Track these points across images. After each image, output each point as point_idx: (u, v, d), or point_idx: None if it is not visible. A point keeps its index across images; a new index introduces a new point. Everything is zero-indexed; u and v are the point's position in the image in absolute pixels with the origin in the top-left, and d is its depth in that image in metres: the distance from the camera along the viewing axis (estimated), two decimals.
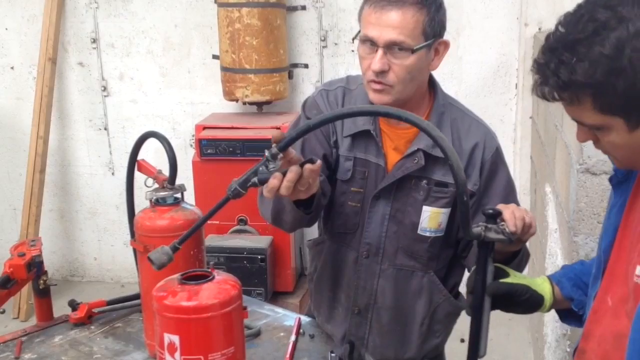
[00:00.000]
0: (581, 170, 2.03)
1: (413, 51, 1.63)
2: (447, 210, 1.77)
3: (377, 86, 1.67)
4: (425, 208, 1.76)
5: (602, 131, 1.15)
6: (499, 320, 3.89)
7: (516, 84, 3.95)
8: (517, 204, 1.70)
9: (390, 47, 1.63)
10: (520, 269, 1.64)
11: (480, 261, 1.46)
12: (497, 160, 1.78)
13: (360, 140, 1.79)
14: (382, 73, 1.65)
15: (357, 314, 1.89)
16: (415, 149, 1.73)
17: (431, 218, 1.77)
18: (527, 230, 1.49)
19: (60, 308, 2.10)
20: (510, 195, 1.79)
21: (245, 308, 1.43)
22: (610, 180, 1.33)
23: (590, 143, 2.00)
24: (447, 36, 1.76)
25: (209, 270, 1.43)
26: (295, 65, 4.05)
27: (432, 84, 1.81)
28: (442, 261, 1.85)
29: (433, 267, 1.84)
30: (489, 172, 1.77)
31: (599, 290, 1.29)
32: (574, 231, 2.09)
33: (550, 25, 4.28)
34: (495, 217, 1.47)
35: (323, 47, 4.06)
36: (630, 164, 1.20)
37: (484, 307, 1.46)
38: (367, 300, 1.87)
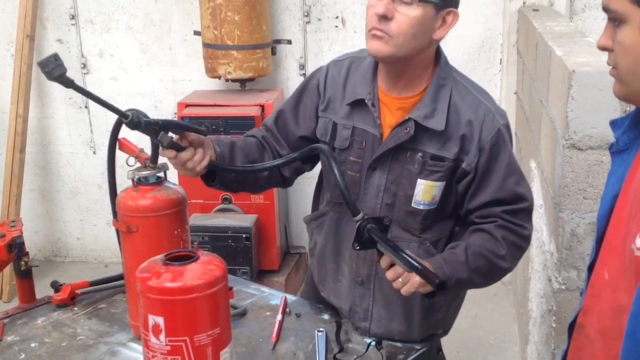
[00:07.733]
0: (567, 146, 2.02)
1: (420, 0, 1.61)
2: (441, 184, 1.75)
3: (378, 32, 1.64)
4: (419, 181, 1.74)
5: (619, 27, 1.14)
6: (483, 297, 3.93)
7: (500, 60, 3.92)
8: (514, 191, 1.74)
9: None
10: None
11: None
12: (498, 142, 1.74)
13: (359, 110, 1.79)
14: (384, 19, 1.63)
15: (360, 284, 1.88)
16: (407, 118, 1.71)
17: (425, 191, 1.75)
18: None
19: (43, 289, 2.07)
20: (508, 179, 1.75)
21: (231, 289, 1.42)
22: (610, 148, 1.32)
23: (575, 118, 2.00)
24: None
25: (194, 250, 1.41)
26: (279, 42, 3.99)
27: (438, 56, 1.78)
28: (436, 232, 1.83)
29: (428, 238, 1.82)
30: (489, 156, 1.73)
31: (596, 263, 1.28)
32: (560, 207, 2.08)
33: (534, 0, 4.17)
34: (380, 222, 1.63)
35: (306, 22, 4.00)
36: (630, 82, 1.18)
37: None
38: (368, 270, 1.86)
